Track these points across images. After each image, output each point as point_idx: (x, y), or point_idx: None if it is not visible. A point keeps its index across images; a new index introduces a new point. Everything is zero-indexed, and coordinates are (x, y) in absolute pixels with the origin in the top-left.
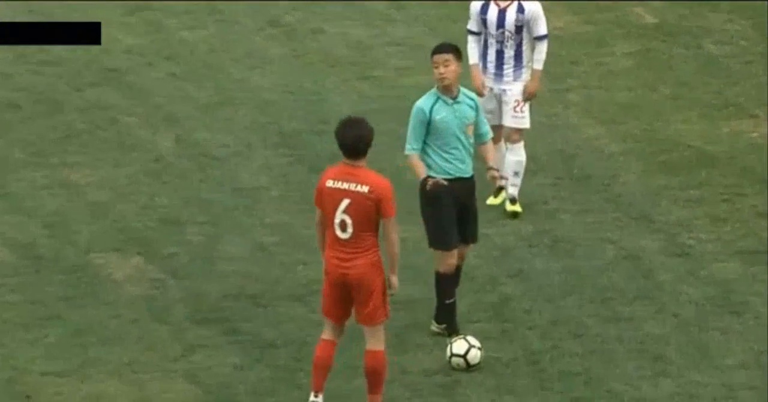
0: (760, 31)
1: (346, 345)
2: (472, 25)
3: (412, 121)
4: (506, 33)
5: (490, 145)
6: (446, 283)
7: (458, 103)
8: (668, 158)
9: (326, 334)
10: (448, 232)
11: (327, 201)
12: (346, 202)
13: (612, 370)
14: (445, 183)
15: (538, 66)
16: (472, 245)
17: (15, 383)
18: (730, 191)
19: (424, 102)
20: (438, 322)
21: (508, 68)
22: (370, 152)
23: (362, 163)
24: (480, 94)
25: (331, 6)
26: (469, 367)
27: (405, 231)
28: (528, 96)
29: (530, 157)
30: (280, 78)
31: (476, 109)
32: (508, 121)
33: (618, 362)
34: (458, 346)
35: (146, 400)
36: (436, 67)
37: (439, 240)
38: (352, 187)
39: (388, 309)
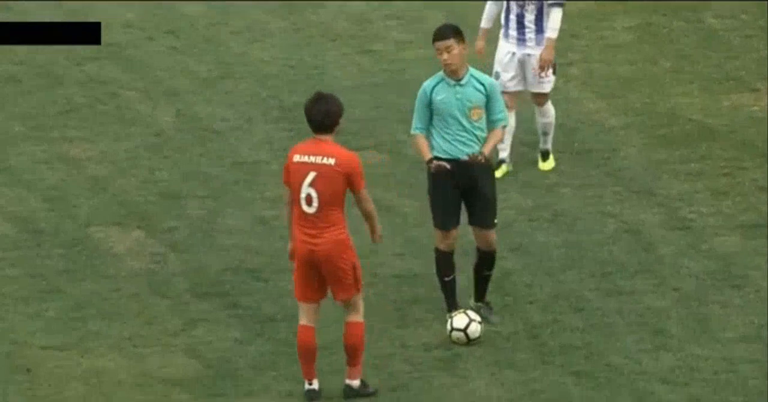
0: (760, 5)
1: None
2: None
3: (416, 102)
4: None
5: (496, 133)
6: (444, 261)
7: (462, 85)
8: (669, 132)
9: (303, 320)
10: (444, 213)
11: (294, 176)
12: (312, 175)
13: (612, 344)
14: (447, 166)
15: (551, 34)
16: (491, 231)
17: (15, 357)
18: (731, 165)
19: (427, 83)
20: (476, 300)
21: (530, 33)
22: (371, 124)
23: (329, 137)
24: (478, 53)
25: None
26: (469, 341)
27: (405, 205)
28: (542, 63)
29: (531, 131)
30: (281, 52)
31: (487, 93)
32: (531, 86)
33: (618, 336)
34: (459, 320)
35: (146, 374)
36: (440, 54)
37: (436, 220)
38: (319, 159)
39: (360, 283)
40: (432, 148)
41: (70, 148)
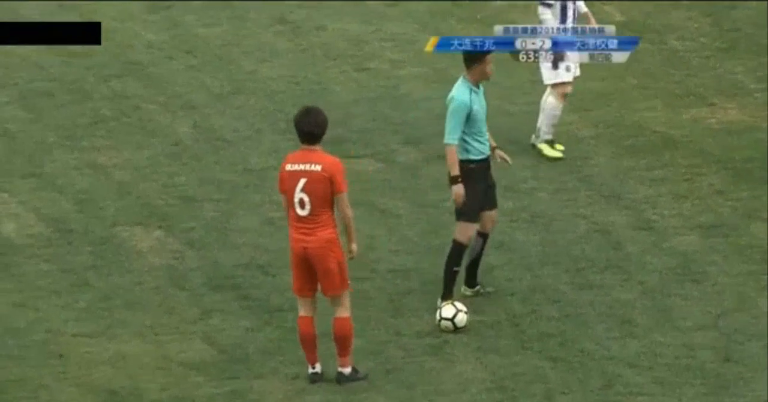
0: (718, 28)
1: None
2: None
3: (458, 115)
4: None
5: None
6: (462, 253)
7: (481, 92)
8: (635, 142)
9: (302, 311)
10: (476, 208)
11: (287, 183)
12: (303, 181)
13: (585, 332)
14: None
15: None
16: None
17: (49, 344)
18: (691, 171)
19: (463, 95)
20: (470, 286)
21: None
22: (368, 135)
23: (317, 147)
24: None
25: (332, 4)
26: (456, 329)
27: (399, 207)
28: None
29: (512, 141)
30: (287, 69)
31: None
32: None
33: (590, 325)
34: (447, 310)
35: (166, 359)
36: (488, 64)
37: (471, 216)
38: (307, 167)
39: (347, 281)
40: (468, 151)
41: (98, 156)
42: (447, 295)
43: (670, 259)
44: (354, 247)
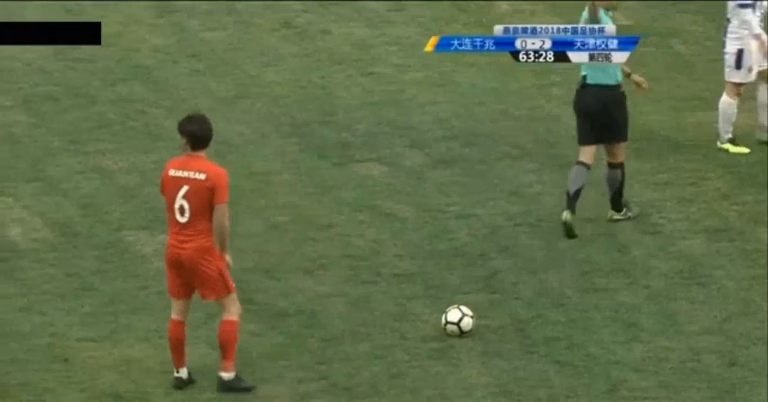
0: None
1: (348, 312)
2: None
3: None
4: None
5: None
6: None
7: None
8: (640, 146)
9: (174, 314)
10: None
11: (169, 188)
12: (185, 188)
13: (590, 336)
14: None
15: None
16: None
17: (54, 348)
18: (696, 175)
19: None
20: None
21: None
22: (372, 139)
23: (202, 153)
24: None
25: (338, 9)
26: (462, 333)
27: (404, 211)
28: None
29: (517, 145)
30: (292, 74)
31: None
32: None
33: (595, 329)
34: (452, 314)
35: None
36: None
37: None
38: (191, 174)
39: (229, 284)
40: (618, 77)
41: (102, 160)
42: (620, 206)
43: (675, 263)
44: (228, 258)
